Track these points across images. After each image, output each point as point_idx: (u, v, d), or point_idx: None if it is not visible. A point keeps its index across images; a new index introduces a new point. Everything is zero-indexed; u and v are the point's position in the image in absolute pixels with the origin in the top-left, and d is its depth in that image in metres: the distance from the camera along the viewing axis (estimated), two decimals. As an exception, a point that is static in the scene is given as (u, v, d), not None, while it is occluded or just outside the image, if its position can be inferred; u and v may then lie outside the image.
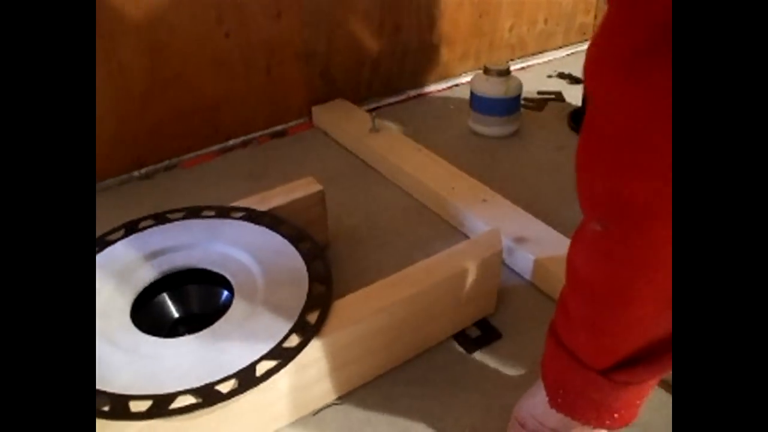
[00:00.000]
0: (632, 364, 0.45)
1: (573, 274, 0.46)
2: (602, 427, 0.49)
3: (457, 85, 1.25)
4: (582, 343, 0.47)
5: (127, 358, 0.53)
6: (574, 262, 0.45)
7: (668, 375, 0.60)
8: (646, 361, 0.44)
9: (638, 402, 0.48)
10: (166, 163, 1.00)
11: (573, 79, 1.26)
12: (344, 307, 0.58)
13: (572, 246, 0.45)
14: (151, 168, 0.99)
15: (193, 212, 0.70)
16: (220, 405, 0.49)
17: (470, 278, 0.64)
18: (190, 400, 0.49)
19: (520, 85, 1.04)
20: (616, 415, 0.48)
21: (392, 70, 1.18)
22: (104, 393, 0.49)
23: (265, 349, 0.53)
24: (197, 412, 0.49)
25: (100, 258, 0.64)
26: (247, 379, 0.51)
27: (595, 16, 1.42)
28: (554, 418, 0.51)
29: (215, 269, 0.63)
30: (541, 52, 1.38)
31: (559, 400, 0.50)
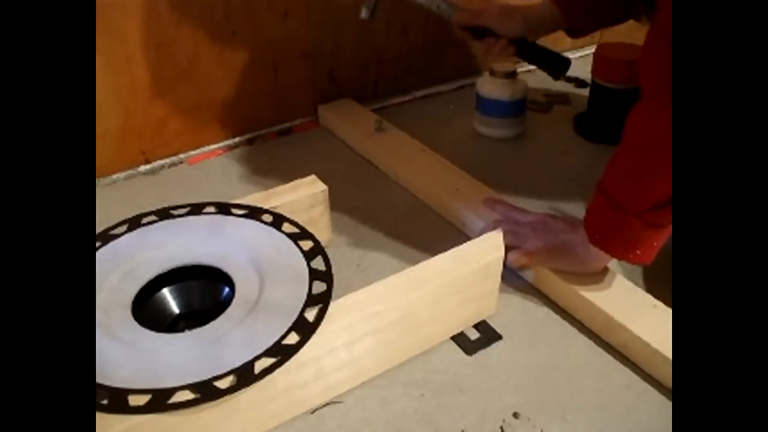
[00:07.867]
0: (661, 208, 0.57)
1: (627, 134, 0.60)
2: (626, 260, 0.63)
3: (462, 87, 1.25)
4: (625, 190, 0.60)
5: (127, 353, 0.53)
6: (629, 124, 0.59)
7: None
8: (670, 207, 0.57)
9: (656, 244, 0.61)
10: (172, 159, 1.00)
11: (579, 83, 1.26)
12: (344, 306, 0.58)
13: (629, 116, 0.59)
14: (156, 164, 0.99)
15: (196, 209, 0.70)
16: (218, 401, 0.50)
17: (471, 279, 0.64)
18: (188, 395, 0.49)
19: (526, 88, 1.04)
20: (638, 251, 0.61)
21: (398, 70, 1.18)
22: (103, 386, 0.49)
23: (264, 346, 0.53)
24: (195, 408, 0.49)
25: (103, 252, 0.64)
26: (245, 375, 0.51)
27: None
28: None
29: (217, 265, 0.63)
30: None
31: (597, 237, 0.64)
